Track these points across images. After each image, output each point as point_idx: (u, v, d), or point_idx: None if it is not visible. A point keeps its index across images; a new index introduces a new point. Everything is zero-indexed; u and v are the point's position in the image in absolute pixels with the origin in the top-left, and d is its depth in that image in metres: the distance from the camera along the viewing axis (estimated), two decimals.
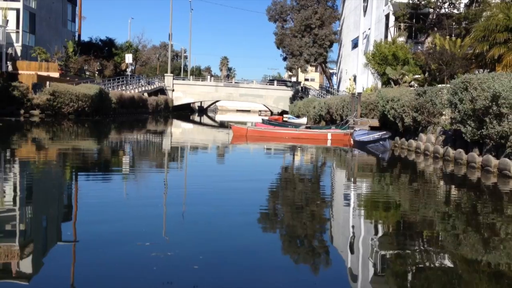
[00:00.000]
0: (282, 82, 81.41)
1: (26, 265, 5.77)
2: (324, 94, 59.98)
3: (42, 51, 48.28)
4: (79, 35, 65.93)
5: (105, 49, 64.58)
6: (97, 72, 60.02)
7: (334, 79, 70.86)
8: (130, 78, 62.48)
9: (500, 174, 13.57)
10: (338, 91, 56.36)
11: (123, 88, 57.28)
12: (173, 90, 71.70)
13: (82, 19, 68.04)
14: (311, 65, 78.96)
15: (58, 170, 13.28)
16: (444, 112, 19.35)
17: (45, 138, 22.86)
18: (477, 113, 14.71)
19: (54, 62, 47.93)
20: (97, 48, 62.33)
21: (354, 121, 26.86)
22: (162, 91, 69.44)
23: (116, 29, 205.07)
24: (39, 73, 40.95)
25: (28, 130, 26.54)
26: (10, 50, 44.78)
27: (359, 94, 28.97)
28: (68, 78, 45.16)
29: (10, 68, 41.79)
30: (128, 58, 63.61)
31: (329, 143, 26.33)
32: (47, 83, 36.96)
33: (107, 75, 59.70)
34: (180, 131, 38.45)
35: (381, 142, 22.06)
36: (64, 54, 52.84)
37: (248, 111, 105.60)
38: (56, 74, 44.37)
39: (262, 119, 38.60)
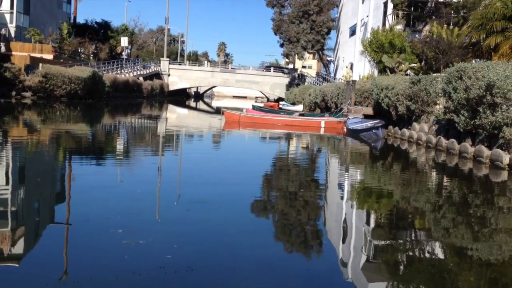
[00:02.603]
0: (278, 69, 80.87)
1: (17, 247, 5.65)
2: (320, 81, 59.54)
3: (36, 32, 47.75)
4: (75, 17, 65.33)
5: (101, 32, 63.95)
6: (92, 55, 59.52)
7: (332, 67, 70.42)
8: (125, 62, 61.93)
9: (492, 165, 13.36)
10: (334, 79, 56.00)
11: (118, 71, 56.77)
12: (169, 75, 71.19)
13: (78, 0, 67.43)
14: (308, 52, 78.61)
15: (49, 153, 13.03)
16: (438, 102, 19.10)
17: (37, 120, 22.54)
18: (470, 103, 14.47)
19: (48, 44, 47.43)
20: (92, 30, 61.70)
21: (348, 109, 26.58)
22: (157, 75, 68.90)
23: (112, 11, 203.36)
24: (32, 54, 40.47)
25: (19, 112, 26.20)
26: (3, 31, 44.28)
27: (354, 81, 28.66)
28: (62, 61, 44.70)
29: (3, 49, 41.26)
30: (124, 41, 63.00)
31: (322, 131, 26.09)
32: (40, 65, 36.52)
33: (102, 58, 59.18)
34: (174, 116, 38.12)
35: (374, 131, 21.83)
36: (58, 36, 52.33)
37: (245, 97, 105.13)
38: (49, 56, 43.88)
39: (252, 105, 38.17)
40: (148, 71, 67.53)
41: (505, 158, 12.84)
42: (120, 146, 15.88)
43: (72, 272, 4.78)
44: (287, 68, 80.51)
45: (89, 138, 17.52)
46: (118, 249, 5.37)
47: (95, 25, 65.32)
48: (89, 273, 4.76)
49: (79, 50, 57.51)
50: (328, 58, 75.34)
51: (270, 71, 77.06)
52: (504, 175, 12.33)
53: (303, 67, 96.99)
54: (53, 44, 48.35)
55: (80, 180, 9.53)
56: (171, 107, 50.12)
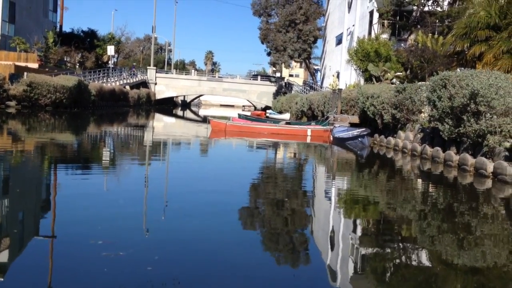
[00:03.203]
0: (265, 77, 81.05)
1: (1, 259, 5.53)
2: (307, 90, 59.72)
3: (21, 41, 47.42)
4: (61, 26, 64.97)
5: (87, 41, 63.62)
6: (78, 64, 59.18)
7: (318, 75, 70.67)
8: (112, 71, 61.62)
9: (476, 173, 13.41)
10: (321, 87, 56.16)
11: (104, 80, 56.46)
12: (155, 84, 70.98)
13: (64, 9, 67.17)
14: (295, 61, 78.81)
15: (33, 163, 12.86)
16: (423, 110, 19.19)
17: (21, 129, 22.29)
18: (455, 111, 14.54)
19: (34, 52, 47.06)
20: (78, 39, 61.36)
21: (334, 117, 26.62)
22: (144, 84, 68.66)
23: (99, 20, 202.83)
24: (17, 63, 40.09)
25: (3, 121, 25.88)
26: None
27: (340, 90, 28.75)
28: (47, 69, 44.33)
29: None
30: (110, 50, 62.69)
31: (308, 139, 26.11)
32: (25, 73, 36.19)
33: (88, 66, 58.86)
34: (161, 125, 37.96)
35: (359, 139, 21.86)
36: (44, 45, 51.96)
37: (232, 106, 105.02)
38: (35, 65, 43.53)
39: (239, 114, 38.10)
40: (134, 79, 67.27)
41: (489, 166, 12.89)
42: (105, 155, 15.71)
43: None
44: (274, 77, 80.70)
45: (74, 148, 17.33)
46: (97, 261, 5.27)
47: (81, 34, 64.97)
48: (66, 287, 4.67)
49: (65, 59, 57.13)
50: (315, 67, 75.61)
51: (257, 79, 77.19)
52: (489, 183, 12.39)
53: (290, 75, 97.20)
54: (38, 53, 47.99)
55: (62, 190, 9.42)
56: (158, 115, 49.91)
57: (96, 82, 51.33)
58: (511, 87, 13.42)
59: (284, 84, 70.12)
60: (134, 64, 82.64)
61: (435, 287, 5.33)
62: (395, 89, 20.89)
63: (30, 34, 50.48)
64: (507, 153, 12.59)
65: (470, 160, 13.92)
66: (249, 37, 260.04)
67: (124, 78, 64.11)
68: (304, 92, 57.50)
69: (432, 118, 16.46)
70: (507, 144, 12.88)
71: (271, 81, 74.72)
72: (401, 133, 20.26)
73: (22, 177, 10.77)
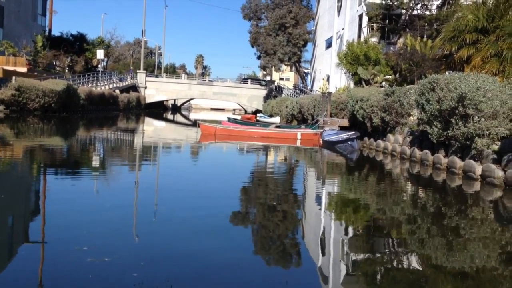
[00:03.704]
0: (256, 81, 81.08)
1: None
2: (297, 93, 59.81)
3: (9, 45, 47.19)
4: (50, 30, 64.74)
5: (76, 45, 63.38)
6: (67, 68, 58.93)
7: (309, 79, 70.84)
8: (101, 74, 61.39)
9: (465, 176, 13.45)
10: (311, 91, 56.28)
11: (94, 84, 56.23)
12: (145, 87, 70.77)
13: (53, 13, 67.04)
14: (285, 64, 78.83)
15: (21, 168, 12.69)
16: (412, 113, 19.25)
17: (9, 134, 22.08)
18: (443, 114, 14.59)
19: (22, 56, 46.85)
20: (67, 43, 61.14)
21: (324, 120, 26.66)
22: (134, 88, 68.43)
23: (88, 24, 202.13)
24: (5, 67, 39.88)
25: None
26: None
27: (329, 93, 28.81)
28: (36, 73, 44.10)
29: None
30: (100, 54, 62.46)
31: (298, 143, 26.10)
32: (13, 78, 35.94)
33: (77, 70, 58.65)
34: (151, 129, 37.77)
35: (349, 142, 21.89)
36: (32, 49, 51.72)
37: (223, 109, 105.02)
38: (23, 69, 43.29)
39: (228, 118, 38.05)
40: (124, 83, 67.03)
41: (478, 169, 12.94)
42: (94, 160, 15.60)
43: None
44: (264, 80, 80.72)
45: (63, 153, 17.19)
46: (82, 268, 5.19)
47: (71, 38, 64.72)
48: None
49: (54, 63, 56.86)
50: (305, 70, 75.83)
51: (247, 83, 77.16)
52: (477, 186, 12.42)
53: (281, 79, 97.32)
54: (27, 57, 47.76)
55: (50, 195, 9.30)
56: (148, 119, 49.72)
57: (85, 86, 51.14)
58: (498, 90, 13.48)
59: (274, 87, 70.16)
60: (132, 68, 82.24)
61: None
62: (384, 92, 20.96)
63: (18, 38, 50.22)
64: (495, 156, 12.64)
65: (459, 163, 13.97)
66: (240, 40, 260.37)
67: (113, 82, 63.88)
68: (294, 95, 57.61)
69: (420, 121, 16.51)
70: (495, 147, 12.95)
71: (261, 85, 74.73)
72: (390, 136, 20.30)
73: (10, 182, 10.64)
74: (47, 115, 35.33)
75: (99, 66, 65.55)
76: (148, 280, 4.96)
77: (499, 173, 12.04)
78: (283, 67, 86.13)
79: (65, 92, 38.84)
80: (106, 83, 60.93)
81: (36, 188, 10.31)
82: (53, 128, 28.43)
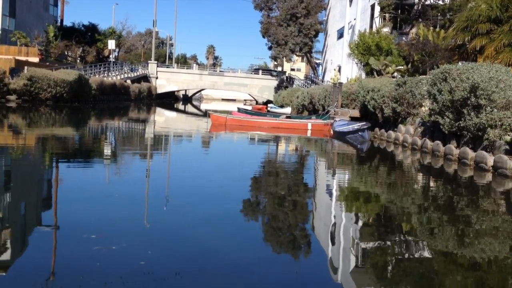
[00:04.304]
0: (267, 71, 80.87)
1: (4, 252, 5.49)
2: (309, 84, 59.63)
3: (22, 35, 47.41)
4: (62, 20, 64.95)
5: (88, 35, 63.52)
6: (79, 58, 59.12)
7: (320, 69, 70.53)
8: (113, 65, 61.55)
9: (476, 167, 13.33)
10: (323, 81, 56.06)
11: (105, 74, 56.40)
12: (156, 78, 70.82)
13: (65, 3, 67.18)
14: (296, 55, 78.65)
15: (34, 157, 12.79)
16: (423, 104, 19.08)
17: (22, 124, 22.24)
18: (455, 105, 14.44)
19: (34, 47, 47.05)
20: (79, 33, 61.27)
21: (334, 111, 26.52)
22: (145, 78, 68.54)
23: (100, 14, 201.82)
24: (18, 57, 40.12)
25: (3, 115, 25.84)
26: None
27: (340, 84, 28.62)
28: (48, 64, 44.32)
29: None
30: (111, 44, 62.59)
31: (309, 133, 26.02)
32: (25, 68, 36.15)
33: (89, 61, 58.84)
34: (162, 120, 37.86)
35: (360, 133, 21.75)
36: (44, 39, 51.92)
37: (234, 100, 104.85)
38: (35, 59, 43.54)
39: (238, 108, 37.93)
40: (135, 74, 67.19)
41: (490, 160, 12.81)
42: (106, 149, 15.66)
43: (37, 282, 4.61)
44: (275, 71, 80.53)
45: (75, 142, 17.27)
46: (89, 256, 5.20)
47: (82, 28, 64.87)
48: (56, 282, 4.60)
49: (66, 53, 57.07)
50: (317, 61, 75.48)
51: (258, 73, 76.99)
52: (489, 177, 12.31)
53: (292, 69, 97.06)
54: (39, 47, 47.96)
55: (62, 183, 9.39)
56: (159, 110, 49.81)
57: (97, 76, 51.31)
58: (511, 80, 13.31)
59: (285, 78, 69.97)
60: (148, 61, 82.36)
61: (436, 281, 5.30)
62: (396, 83, 20.78)
63: (30, 28, 50.44)
64: (507, 147, 12.51)
65: (471, 154, 13.84)
66: (251, 31, 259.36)
67: (125, 72, 64.05)
68: (305, 86, 57.42)
69: (432, 112, 16.36)
70: (508, 138, 12.81)
71: (272, 75, 74.54)
72: (401, 127, 20.16)
73: (22, 170, 10.71)
74: (58, 105, 35.51)
75: (110, 56, 65.72)
76: (155, 268, 4.95)
77: (511, 164, 11.90)
78: (294, 57, 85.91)
79: (77, 82, 39.01)
80: (117, 73, 61.11)
81: (47, 176, 10.37)
82: (64, 117, 28.58)
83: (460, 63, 18.59)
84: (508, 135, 12.93)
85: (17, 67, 36.34)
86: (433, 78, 15.95)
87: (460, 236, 6.95)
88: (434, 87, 15.73)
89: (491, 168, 12.73)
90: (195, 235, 6.25)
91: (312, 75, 68.63)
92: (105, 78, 52.11)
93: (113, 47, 64.23)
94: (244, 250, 5.85)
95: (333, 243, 6.57)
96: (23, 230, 6.45)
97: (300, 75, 79.97)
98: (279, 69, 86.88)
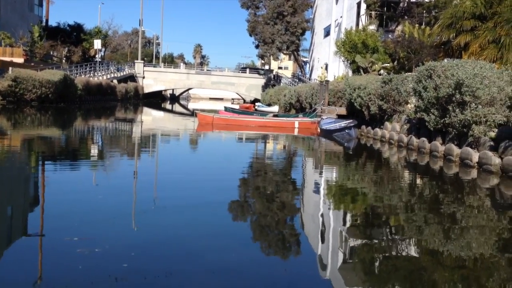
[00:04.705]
0: (254, 70, 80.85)
1: None
2: (296, 82, 59.63)
3: (6, 36, 46.92)
4: (47, 20, 64.38)
5: (73, 35, 63.08)
6: (64, 58, 58.68)
7: (307, 68, 70.59)
8: (99, 65, 61.15)
9: (461, 164, 13.40)
10: (310, 80, 56.10)
11: (91, 74, 56.02)
12: (143, 77, 70.52)
13: (50, 3, 66.53)
14: (284, 53, 78.61)
15: (19, 158, 12.61)
16: (409, 101, 19.16)
17: (6, 125, 21.99)
18: (440, 101, 14.50)
19: (19, 47, 46.57)
20: (64, 33, 60.82)
21: (321, 109, 26.56)
22: (132, 78, 68.20)
23: (85, 14, 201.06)
24: (2, 58, 39.78)
25: None
26: None
27: (327, 82, 28.68)
28: (33, 64, 43.94)
29: None
30: (97, 44, 62.19)
31: (296, 132, 26.03)
32: (10, 68, 35.78)
33: (75, 61, 58.42)
34: (149, 119, 37.66)
35: (347, 131, 21.79)
36: (29, 39, 51.45)
37: (221, 99, 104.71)
38: (20, 60, 43.15)
39: (225, 107, 37.87)
40: (122, 73, 66.83)
41: (474, 156, 12.88)
42: (91, 150, 15.52)
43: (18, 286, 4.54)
44: (262, 69, 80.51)
45: (60, 143, 17.09)
46: (71, 258, 5.13)
47: (68, 28, 64.37)
48: (35, 286, 4.53)
49: (51, 53, 56.59)
50: (304, 59, 75.53)
51: (246, 72, 76.95)
52: (474, 173, 12.38)
53: (279, 68, 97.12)
54: (24, 47, 47.49)
55: (47, 185, 9.25)
56: (146, 109, 49.56)
57: (82, 76, 50.95)
58: (496, 77, 13.39)
59: (272, 76, 69.96)
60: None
61: (424, 277, 5.33)
62: (382, 80, 20.85)
63: (15, 28, 49.95)
64: (492, 143, 12.58)
65: (456, 150, 13.91)
66: (238, 30, 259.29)
67: (111, 72, 63.68)
68: (292, 84, 57.43)
69: (418, 109, 16.42)
70: (492, 134, 12.88)
71: (259, 74, 74.54)
72: (387, 124, 20.23)
73: (6, 172, 10.57)
74: (44, 105, 35.21)
75: (96, 56, 65.30)
76: (138, 271, 4.89)
77: (495, 160, 11.98)
78: (282, 56, 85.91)
79: (62, 83, 38.70)
80: (103, 73, 60.73)
81: (30, 178, 10.23)
82: (50, 118, 28.32)
83: (445, 60, 18.69)
84: (493, 131, 13.01)
85: (2, 68, 35.96)
86: (418, 75, 16.01)
87: (447, 233, 6.97)
88: (419, 84, 15.79)
89: (476, 164, 12.80)
90: (181, 236, 6.19)
91: (300, 73, 68.67)
92: (91, 78, 51.75)
93: (99, 47, 63.83)
94: (232, 250, 5.79)
95: (322, 241, 6.57)
96: (3, 233, 6.35)
97: (287, 74, 80.00)
98: (267, 67, 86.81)
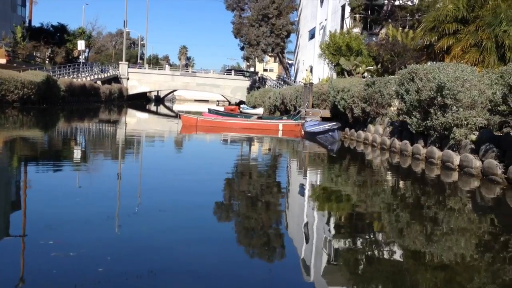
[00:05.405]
0: (239, 72, 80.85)
1: None
2: (281, 84, 59.71)
3: None
4: (30, 21, 63.77)
5: (57, 35, 62.57)
6: (47, 59, 58.15)
7: (292, 70, 70.73)
8: (83, 66, 60.67)
9: (443, 166, 13.47)
10: (295, 82, 56.21)
11: (75, 75, 55.54)
12: (128, 79, 70.11)
13: (33, 3, 65.91)
14: (269, 56, 78.76)
15: (0, 160, 12.46)
16: (392, 103, 19.24)
17: None
18: (422, 104, 14.57)
19: (1, 48, 46.01)
20: (48, 34, 60.28)
21: (305, 111, 26.59)
22: (116, 79, 67.76)
23: (69, 15, 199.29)
24: None
25: None
26: None
27: (311, 84, 28.74)
28: (15, 65, 43.42)
29: None
30: (81, 44, 61.73)
31: (280, 134, 26.05)
32: None
33: (58, 62, 57.90)
34: (133, 121, 37.45)
35: (330, 133, 21.82)
36: (12, 40, 50.89)
37: (207, 101, 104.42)
38: (2, 60, 42.63)
39: (209, 109, 37.81)
40: (106, 75, 66.36)
41: (456, 159, 12.95)
42: (73, 152, 15.35)
43: None
44: (248, 71, 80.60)
45: (42, 144, 16.88)
46: (45, 262, 5.05)
47: (51, 29, 63.82)
48: None
49: (34, 54, 56.04)
50: (289, 61, 75.68)
51: (231, 74, 76.89)
52: (455, 176, 12.45)
53: (265, 70, 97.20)
54: (6, 48, 46.93)
55: (21, 187, 9.11)
56: (130, 111, 49.28)
57: (66, 77, 50.49)
58: (477, 80, 13.48)
59: (258, 78, 70.02)
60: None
61: (406, 278, 5.37)
62: (365, 83, 20.92)
63: None
64: (473, 146, 12.66)
65: (437, 153, 13.98)
66: (224, 31, 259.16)
67: (95, 73, 63.22)
68: (277, 86, 57.50)
69: (400, 112, 16.50)
70: (473, 137, 12.96)
71: (245, 76, 74.54)
72: (371, 126, 20.30)
73: None
74: (26, 106, 34.83)
75: (80, 57, 64.79)
76: (113, 275, 4.82)
77: (476, 163, 12.05)
78: (267, 58, 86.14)
79: (45, 84, 38.31)
80: (87, 74, 60.26)
81: (8, 180, 10.07)
82: (32, 120, 28.04)
83: (428, 63, 18.79)
84: (474, 134, 13.09)
85: None
86: (401, 78, 16.08)
87: (429, 235, 7.01)
88: (401, 87, 15.86)
89: (457, 167, 12.87)
90: (161, 240, 6.06)
91: (285, 76, 68.78)
92: (74, 79, 51.31)
93: (83, 48, 63.36)
94: (215, 253, 5.73)
95: (306, 243, 6.56)
96: None
97: (272, 76, 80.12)
98: (252, 69, 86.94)
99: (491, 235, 7.36)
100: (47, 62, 57.31)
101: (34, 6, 65.58)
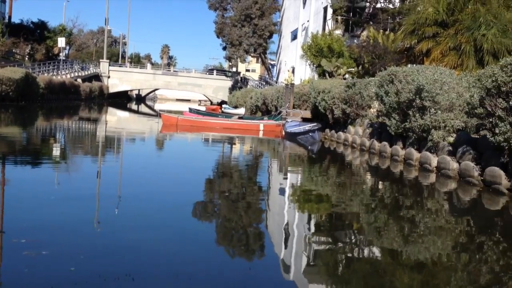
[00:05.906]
0: (221, 72, 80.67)
1: None
2: (263, 85, 59.76)
3: None
4: (10, 17, 63.01)
5: (37, 32, 61.88)
6: (27, 56, 57.44)
7: (274, 70, 70.84)
8: (63, 63, 60.04)
9: (421, 168, 13.59)
10: (277, 82, 56.30)
11: (55, 73, 54.93)
12: (108, 77, 69.53)
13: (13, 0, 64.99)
14: (251, 56, 78.74)
15: None
16: (372, 105, 19.36)
17: None
18: (401, 106, 14.68)
19: None
20: (28, 30, 59.61)
21: (286, 112, 26.63)
22: (97, 77, 67.17)
23: (50, 11, 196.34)
24: None
25: None
26: None
27: (292, 85, 28.80)
28: None
29: None
30: (61, 42, 61.07)
31: (261, 134, 26.05)
32: None
33: (38, 59, 57.24)
34: (114, 119, 37.12)
35: (310, 134, 21.89)
36: None
37: (188, 100, 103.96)
38: None
39: (190, 108, 37.67)
40: (86, 72, 65.74)
41: (433, 160, 13.06)
42: (50, 150, 15.16)
43: None
44: (230, 71, 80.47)
45: (20, 142, 16.63)
46: (16, 261, 4.96)
47: (31, 25, 63.09)
48: None
49: (14, 51, 55.32)
50: (271, 62, 75.79)
51: (213, 74, 76.69)
52: (433, 178, 12.55)
53: (247, 70, 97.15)
54: None
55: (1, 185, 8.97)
56: (111, 109, 48.88)
57: (45, 74, 49.90)
58: (455, 83, 13.62)
59: (240, 78, 69.97)
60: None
61: (385, 278, 5.41)
62: (345, 84, 21.02)
63: None
64: (450, 148, 12.78)
65: (416, 154, 14.10)
66: (206, 31, 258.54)
67: (75, 71, 62.59)
68: (259, 87, 57.53)
69: (380, 113, 16.60)
70: (451, 139, 13.08)
71: (227, 76, 74.41)
72: (351, 128, 20.40)
73: None
74: (4, 104, 34.31)
75: (60, 54, 64.10)
76: (85, 274, 4.75)
77: (453, 165, 12.17)
78: (249, 58, 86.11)
79: (24, 81, 37.81)
80: (67, 72, 59.63)
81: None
82: (10, 117, 27.66)
83: (408, 66, 18.94)
84: (451, 136, 13.21)
85: None
86: (380, 80, 16.19)
87: (407, 236, 7.07)
88: (381, 89, 15.96)
89: (435, 168, 12.99)
90: (138, 239, 5.99)
91: (267, 76, 68.87)
92: (54, 77, 50.74)
93: (63, 45, 62.70)
94: (195, 252, 5.70)
95: (285, 244, 6.57)
96: None
97: (255, 76, 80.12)
98: (234, 69, 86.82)
99: (467, 236, 7.46)
100: (26, 58, 56.62)
101: (14, 2, 64.77)
